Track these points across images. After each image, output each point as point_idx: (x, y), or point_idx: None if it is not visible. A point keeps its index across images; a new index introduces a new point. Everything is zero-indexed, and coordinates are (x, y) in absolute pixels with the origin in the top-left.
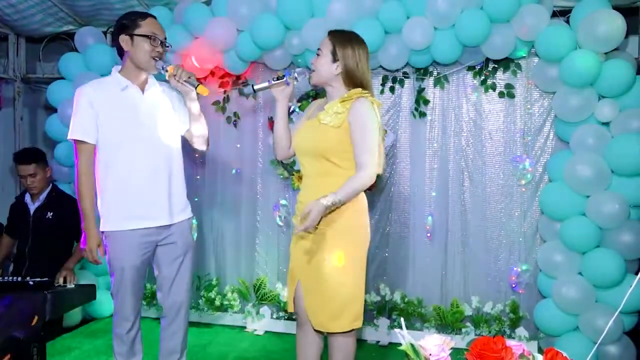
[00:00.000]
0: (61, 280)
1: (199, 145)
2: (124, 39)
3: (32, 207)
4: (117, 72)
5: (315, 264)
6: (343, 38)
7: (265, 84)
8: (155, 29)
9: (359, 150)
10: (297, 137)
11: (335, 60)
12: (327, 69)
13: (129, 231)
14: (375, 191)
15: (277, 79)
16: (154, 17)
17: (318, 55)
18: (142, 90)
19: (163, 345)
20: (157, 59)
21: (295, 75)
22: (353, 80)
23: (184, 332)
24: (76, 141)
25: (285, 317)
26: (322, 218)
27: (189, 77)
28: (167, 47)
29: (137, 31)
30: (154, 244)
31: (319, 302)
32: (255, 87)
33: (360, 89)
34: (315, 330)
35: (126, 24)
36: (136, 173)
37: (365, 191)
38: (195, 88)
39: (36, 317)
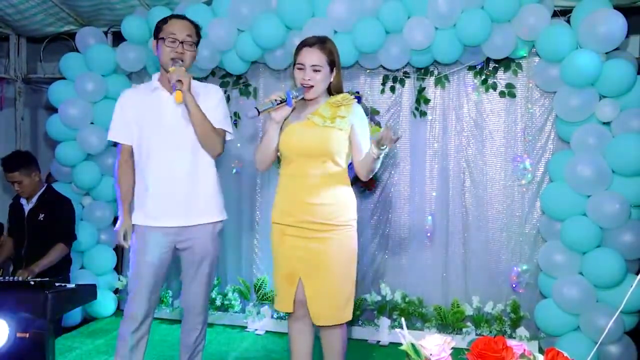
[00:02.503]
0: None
1: (206, 150)
2: (153, 44)
3: (27, 209)
4: (155, 76)
5: (324, 261)
6: (330, 44)
7: (269, 106)
8: (175, 30)
9: (364, 150)
10: (293, 138)
11: (332, 69)
12: (326, 81)
13: (149, 227)
14: (375, 191)
15: (281, 102)
16: (179, 17)
17: (317, 71)
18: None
19: (182, 341)
20: (177, 59)
21: (296, 94)
22: (339, 82)
23: (198, 332)
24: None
25: (286, 317)
26: (326, 216)
27: (176, 81)
28: (191, 45)
29: (159, 35)
30: (172, 244)
31: (325, 297)
32: (260, 109)
33: (346, 93)
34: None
35: (155, 29)
36: (156, 172)
37: (365, 190)
38: (172, 93)
39: None
